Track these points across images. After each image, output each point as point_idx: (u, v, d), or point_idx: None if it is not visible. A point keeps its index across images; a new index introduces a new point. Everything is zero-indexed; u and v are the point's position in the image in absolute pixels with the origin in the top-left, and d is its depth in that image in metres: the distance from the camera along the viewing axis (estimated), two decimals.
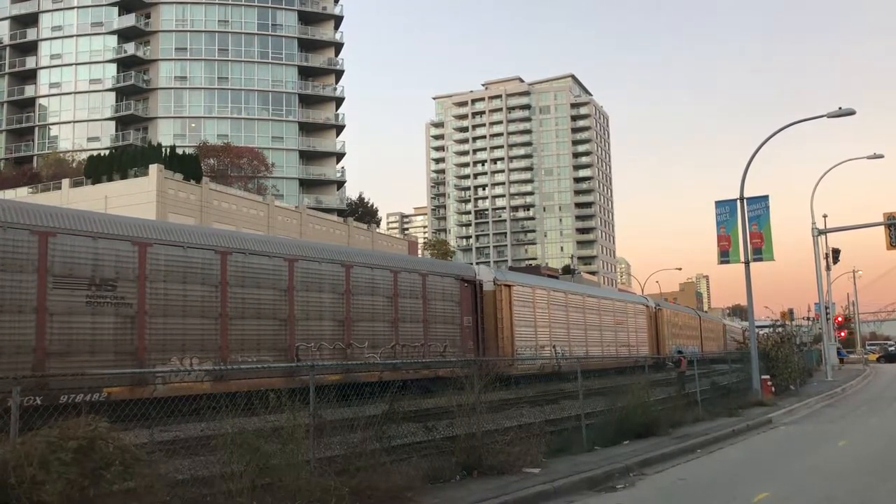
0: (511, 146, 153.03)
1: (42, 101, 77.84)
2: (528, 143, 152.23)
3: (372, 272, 22.13)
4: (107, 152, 57.31)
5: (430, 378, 20.28)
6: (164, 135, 71.33)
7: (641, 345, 41.37)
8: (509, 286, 28.69)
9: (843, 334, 74.67)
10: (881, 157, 34.94)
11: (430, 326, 24.00)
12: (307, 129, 78.92)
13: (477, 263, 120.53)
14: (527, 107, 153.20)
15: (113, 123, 75.03)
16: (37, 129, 77.67)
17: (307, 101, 79.32)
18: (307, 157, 78.35)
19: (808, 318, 76.55)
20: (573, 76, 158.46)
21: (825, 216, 42.63)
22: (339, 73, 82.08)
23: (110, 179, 47.33)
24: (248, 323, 18.17)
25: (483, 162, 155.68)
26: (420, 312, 23.73)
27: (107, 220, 16.42)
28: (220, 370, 16.29)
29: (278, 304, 19.07)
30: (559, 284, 37.68)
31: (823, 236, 40.90)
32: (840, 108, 24.64)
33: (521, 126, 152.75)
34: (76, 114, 76.55)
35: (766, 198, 24.79)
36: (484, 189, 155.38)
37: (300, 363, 18.28)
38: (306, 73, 79.96)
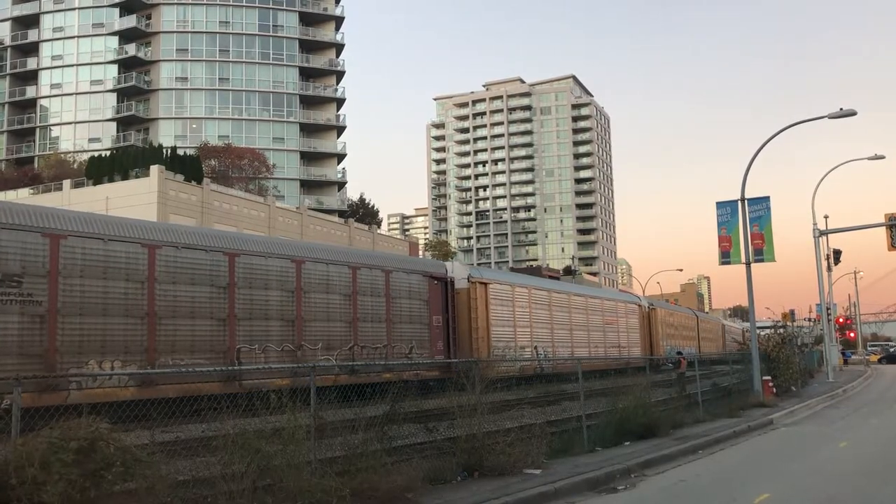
0: (512, 147, 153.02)
1: (43, 101, 77.89)
2: (529, 144, 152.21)
3: (327, 268, 20.83)
4: (108, 153, 57.32)
5: (393, 382, 19.61)
6: (165, 136, 71.33)
7: (633, 346, 40.37)
8: (485, 284, 27.63)
9: (852, 335, 74.53)
10: (882, 157, 34.96)
11: (395, 326, 22.66)
12: (308, 129, 78.94)
13: (478, 264, 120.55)
14: (528, 107, 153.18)
15: (114, 124, 75.07)
16: (38, 129, 77.70)
17: (308, 101, 79.33)
18: (308, 157, 78.36)
19: (810, 319, 76.51)
20: (574, 77, 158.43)
21: (826, 217, 42.59)
22: (339, 74, 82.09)
23: (111, 180, 47.34)
24: (180, 323, 16.84)
25: (484, 163, 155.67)
26: (383, 311, 22.35)
27: (10, 210, 14.98)
28: (148, 372, 14.98)
29: (216, 303, 17.67)
30: (542, 282, 36.29)
31: (825, 237, 40.86)
32: (841, 109, 24.64)
33: (522, 127, 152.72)
34: (77, 115, 76.59)
35: (767, 199, 24.77)
36: (485, 190, 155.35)
37: (242, 366, 17.49)
38: (307, 73, 79.99)
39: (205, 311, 17.45)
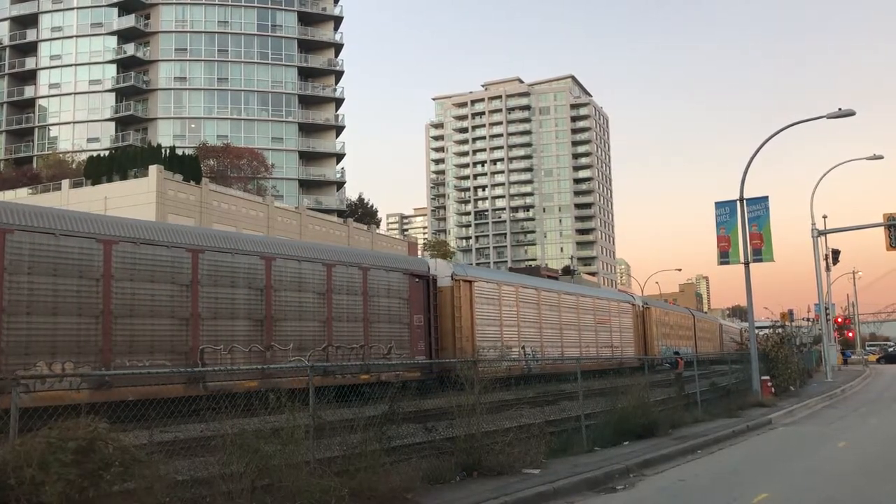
0: (511, 147, 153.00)
1: (42, 101, 77.81)
2: (528, 144, 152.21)
3: (299, 265, 20.05)
4: (106, 153, 57.30)
5: (371, 383, 17.73)
6: (164, 135, 71.29)
7: (626, 345, 39.69)
8: (469, 282, 26.85)
9: (851, 334, 74.56)
10: (881, 157, 35.00)
11: (373, 326, 21.98)
12: (307, 129, 78.90)
13: (477, 264, 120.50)
14: (526, 107, 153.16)
15: (113, 124, 75.00)
16: (36, 129, 77.63)
17: (307, 101, 79.29)
18: (307, 157, 78.32)
19: (808, 319, 76.53)
20: (573, 77, 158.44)
21: (825, 217, 42.69)
22: (338, 74, 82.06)
23: (110, 180, 47.31)
24: (138, 322, 16.11)
25: (483, 163, 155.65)
26: (360, 310, 21.62)
27: None
28: (104, 374, 14.18)
29: (178, 301, 16.93)
30: (530, 280, 35.49)
31: (823, 237, 40.89)
32: (840, 109, 24.66)
33: (521, 127, 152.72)
34: (76, 114, 76.51)
35: (765, 199, 24.80)
36: (484, 190, 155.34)
37: (206, 368, 16.92)
38: (306, 73, 79.95)
39: (166, 309, 16.72)
